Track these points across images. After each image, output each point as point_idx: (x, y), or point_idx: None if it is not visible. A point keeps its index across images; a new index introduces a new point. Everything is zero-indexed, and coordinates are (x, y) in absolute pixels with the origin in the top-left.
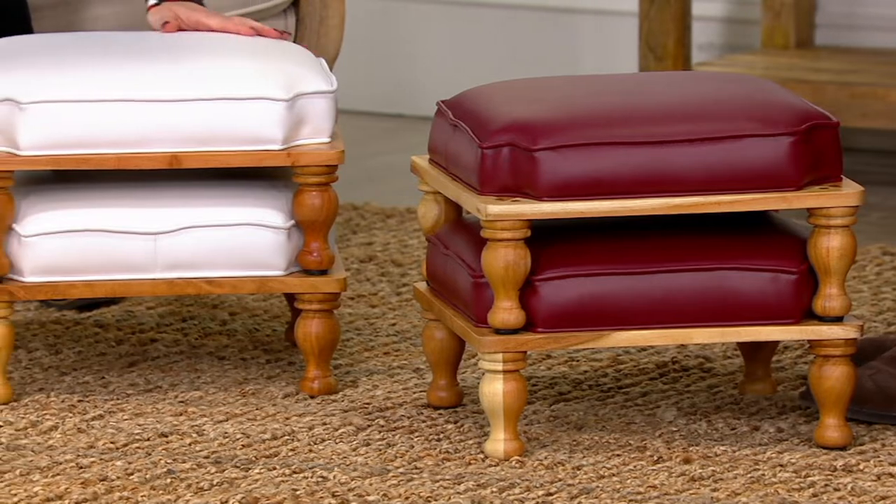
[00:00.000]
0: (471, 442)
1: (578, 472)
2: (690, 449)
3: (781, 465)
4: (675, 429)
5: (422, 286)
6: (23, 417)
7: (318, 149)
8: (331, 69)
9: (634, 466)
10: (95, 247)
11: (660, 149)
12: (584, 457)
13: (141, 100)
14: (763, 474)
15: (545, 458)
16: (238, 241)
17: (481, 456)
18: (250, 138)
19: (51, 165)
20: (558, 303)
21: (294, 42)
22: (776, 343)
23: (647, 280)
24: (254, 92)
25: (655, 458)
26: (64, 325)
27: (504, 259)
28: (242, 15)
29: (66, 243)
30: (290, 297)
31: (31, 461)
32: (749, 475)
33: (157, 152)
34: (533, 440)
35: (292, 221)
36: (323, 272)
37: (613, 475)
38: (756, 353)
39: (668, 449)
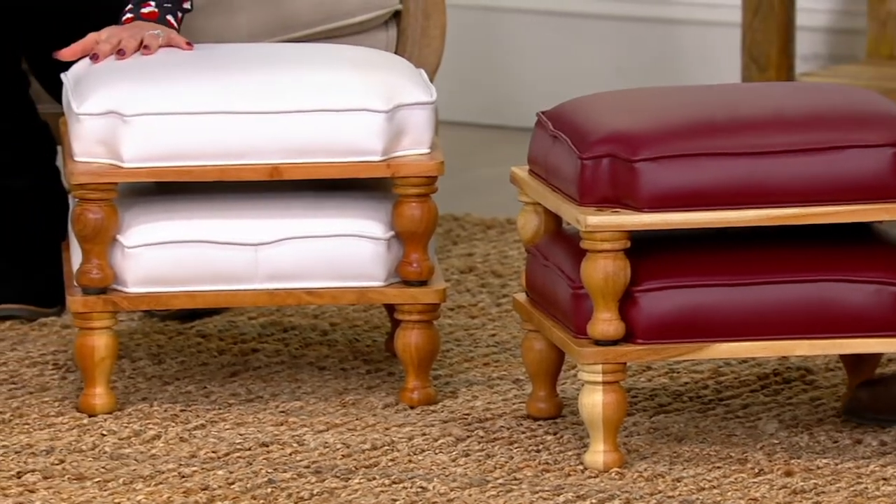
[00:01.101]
0: (570, 453)
1: (679, 485)
2: (792, 462)
3: (885, 479)
4: (776, 441)
5: (521, 297)
6: (126, 426)
7: (418, 160)
8: (431, 80)
9: (735, 479)
10: (198, 257)
11: (761, 160)
12: (684, 469)
13: (242, 112)
14: (866, 488)
15: (645, 469)
16: (338, 251)
17: (581, 467)
18: (350, 150)
19: (153, 177)
20: (658, 314)
21: (395, 53)
22: (879, 355)
23: (748, 291)
24: (354, 103)
25: (756, 470)
26: (167, 336)
27: (604, 270)
28: (343, 27)
29: (169, 254)
30: (390, 308)
31: (134, 470)
32: (852, 488)
33: (257, 164)
34: (633, 452)
35: (392, 232)
36: (422, 283)
37: (714, 487)
38: (859, 365)
39: (770, 461)
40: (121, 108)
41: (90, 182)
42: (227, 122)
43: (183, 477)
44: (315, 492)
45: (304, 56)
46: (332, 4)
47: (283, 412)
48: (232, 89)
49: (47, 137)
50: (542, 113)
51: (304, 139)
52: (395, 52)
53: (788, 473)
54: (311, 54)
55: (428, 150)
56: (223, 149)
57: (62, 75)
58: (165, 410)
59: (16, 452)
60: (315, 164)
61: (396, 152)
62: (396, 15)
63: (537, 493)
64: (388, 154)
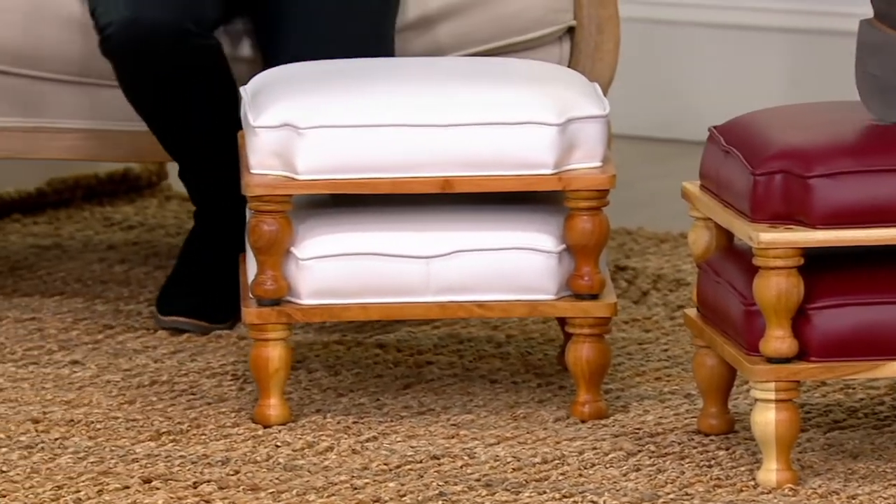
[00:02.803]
0: (743, 469)
1: (853, 502)
2: None
3: None
4: None
5: (692, 313)
6: (300, 438)
7: (590, 173)
8: (605, 94)
9: None
10: (370, 270)
11: None
12: (859, 486)
13: (415, 125)
14: None
15: (819, 486)
16: (509, 264)
17: (753, 483)
18: (522, 163)
19: (327, 189)
20: (832, 332)
21: (569, 67)
22: None
23: None
24: (526, 117)
25: None
26: (345, 346)
27: (776, 287)
28: (517, 43)
29: (342, 266)
30: (562, 321)
31: (308, 481)
32: None
33: (429, 177)
34: (806, 468)
35: (563, 245)
36: (594, 297)
37: None
38: None
39: None
40: (296, 120)
41: (265, 194)
42: (401, 135)
43: (355, 489)
44: None
45: (477, 69)
46: (506, 21)
47: (454, 425)
48: (405, 102)
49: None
50: (714, 128)
51: (476, 152)
52: (569, 66)
53: None
54: (484, 68)
55: (600, 164)
56: (396, 161)
57: (241, 88)
58: (338, 422)
59: (192, 462)
60: (487, 178)
61: (568, 165)
62: (570, 30)
63: None
64: (559, 167)
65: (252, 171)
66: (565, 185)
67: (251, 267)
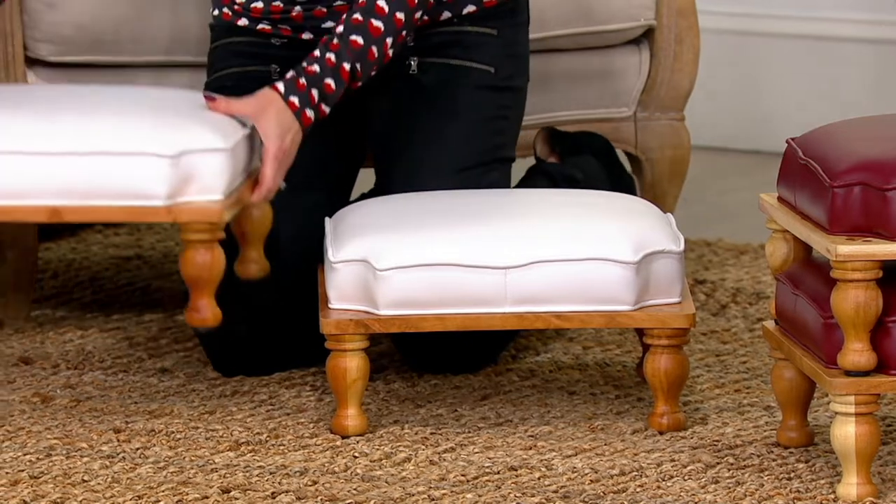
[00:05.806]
0: (822, 482)
1: None
2: None
3: None
4: None
5: (770, 325)
6: (378, 449)
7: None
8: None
9: None
10: (448, 281)
11: None
12: None
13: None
14: None
15: None
16: (587, 275)
17: (833, 496)
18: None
19: None
20: None
21: (647, 77)
22: None
23: None
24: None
25: None
26: None
27: (854, 300)
28: (596, 34)
29: (420, 277)
30: (640, 332)
31: (385, 492)
32: None
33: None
34: (887, 481)
35: (641, 255)
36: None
37: None
38: None
39: None
40: None
41: None
42: None
43: (433, 500)
44: None
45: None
46: (588, 4)
47: (532, 436)
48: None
49: None
50: (792, 140)
51: None
52: (648, 76)
53: None
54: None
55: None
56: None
57: None
58: (416, 433)
59: (270, 473)
60: None
61: None
62: (649, 37)
63: None
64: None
65: None
66: None
67: (329, 277)
